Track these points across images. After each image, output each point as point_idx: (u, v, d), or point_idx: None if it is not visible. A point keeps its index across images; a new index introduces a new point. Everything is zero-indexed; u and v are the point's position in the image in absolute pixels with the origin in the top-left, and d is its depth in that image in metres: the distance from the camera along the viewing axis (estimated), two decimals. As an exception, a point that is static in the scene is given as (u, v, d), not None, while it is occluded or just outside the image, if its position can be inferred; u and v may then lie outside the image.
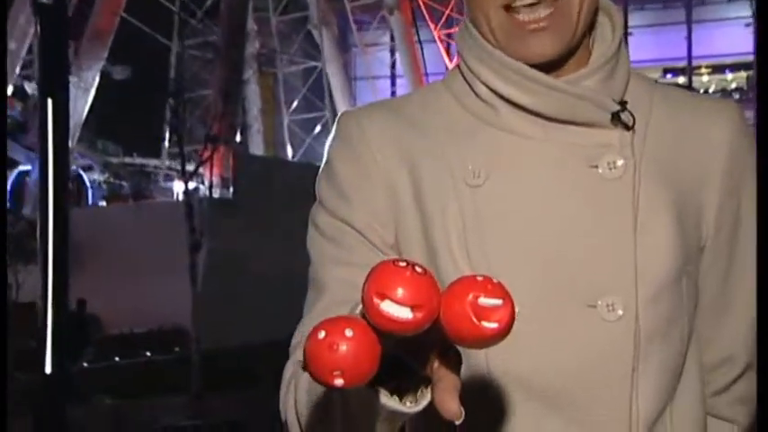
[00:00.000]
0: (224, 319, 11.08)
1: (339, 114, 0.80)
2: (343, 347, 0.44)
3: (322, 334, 0.44)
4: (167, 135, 17.44)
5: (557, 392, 0.70)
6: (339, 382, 0.44)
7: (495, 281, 0.46)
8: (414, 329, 0.44)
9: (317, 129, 20.00)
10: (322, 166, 0.80)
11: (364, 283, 0.45)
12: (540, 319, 0.70)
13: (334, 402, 0.60)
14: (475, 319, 0.45)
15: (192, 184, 10.68)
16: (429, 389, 0.50)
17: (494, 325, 0.45)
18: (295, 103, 20.73)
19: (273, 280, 11.85)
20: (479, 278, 0.46)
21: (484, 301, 0.45)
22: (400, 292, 0.44)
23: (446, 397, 0.48)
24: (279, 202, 12.57)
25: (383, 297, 0.44)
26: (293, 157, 19.58)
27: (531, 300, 0.69)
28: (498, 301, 0.45)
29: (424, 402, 0.51)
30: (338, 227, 0.76)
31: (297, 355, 0.72)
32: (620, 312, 0.70)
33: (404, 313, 0.44)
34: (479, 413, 0.68)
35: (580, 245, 0.71)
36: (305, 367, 0.45)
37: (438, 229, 0.73)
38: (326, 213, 0.77)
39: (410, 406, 0.51)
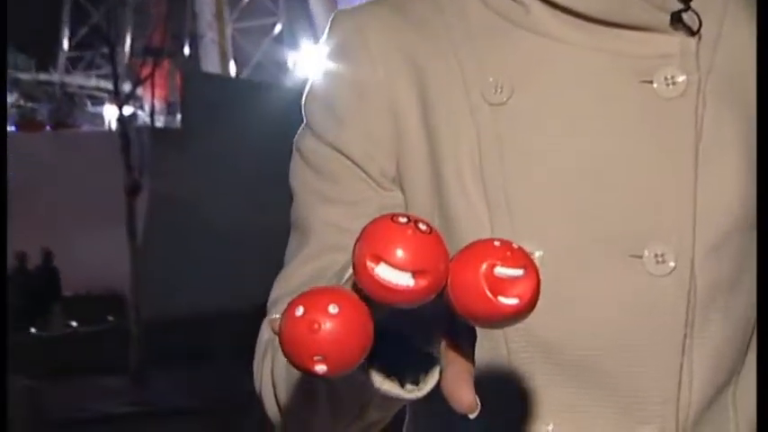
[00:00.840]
0: (170, 281, 11.13)
1: (333, 15, 0.80)
2: (327, 327, 0.44)
3: (300, 310, 0.44)
4: (66, 39, 16.86)
5: (588, 364, 0.70)
6: (321, 368, 0.44)
7: (515, 246, 0.46)
8: (416, 300, 0.45)
9: (268, 40, 19.45)
10: (310, 79, 0.79)
11: (355, 244, 0.45)
12: (570, 271, 0.70)
13: (320, 381, 0.61)
14: (489, 294, 0.45)
15: (128, 110, 10.61)
16: (436, 369, 0.51)
17: (512, 301, 0.45)
18: (241, 6, 20.05)
19: (233, 233, 11.87)
20: (496, 243, 0.46)
21: (501, 271, 0.45)
22: (400, 253, 0.44)
23: (458, 385, 0.48)
24: (240, 133, 12.51)
25: (378, 260, 0.44)
26: (237, 76, 19.06)
27: (561, 247, 0.70)
28: (519, 272, 0.45)
29: (428, 386, 0.52)
30: (328, 155, 0.76)
31: (276, 312, 0.72)
32: (672, 265, 0.69)
33: (404, 280, 0.44)
34: (490, 386, 0.69)
35: (625, 180, 0.71)
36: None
37: (448, 157, 0.73)
38: (314, 138, 0.77)
39: (411, 389, 0.52)
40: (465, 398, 0.48)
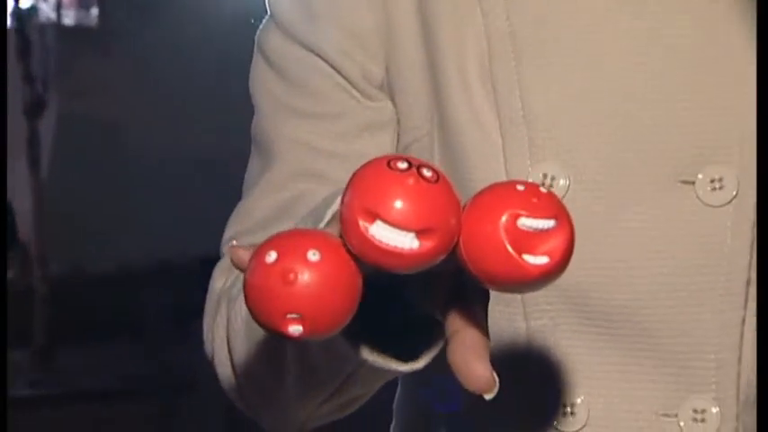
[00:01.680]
0: (87, 227, 11.11)
1: None
2: (305, 278, 0.45)
3: (272, 256, 0.45)
4: None
5: (626, 317, 0.71)
6: (295, 329, 0.45)
7: (543, 191, 0.47)
8: (420, 264, 0.46)
9: None
10: None
11: (343, 195, 0.46)
12: (604, 201, 0.71)
13: (288, 345, 0.63)
14: (512, 251, 0.46)
15: (26, 1, 10.50)
16: (439, 337, 0.52)
17: (541, 260, 0.46)
18: None
19: (170, 164, 11.82)
20: (520, 187, 0.47)
21: (526, 222, 0.46)
22: (399, 208, 0.45)
23: (470, 358, 0.49)
24: (178, 33, 12.38)
25: (373, 217, 0.45)
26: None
27: (591, 170, 0.71)
28: (548, 223, 0.47)
29: (428, 357, 0.53)
30: (297, 55, 0.77)
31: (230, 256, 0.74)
32: (733, 192, 0.71)
33: (405, 241, 0.45)
34: (503, 352, 0.71)
35: (672, 86, 0.72)
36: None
37: (450, 57, 0.74)
38: (280, 34, 0.78)
39: (406, 359, 0.53)
40: (479, 374, 0.49)
